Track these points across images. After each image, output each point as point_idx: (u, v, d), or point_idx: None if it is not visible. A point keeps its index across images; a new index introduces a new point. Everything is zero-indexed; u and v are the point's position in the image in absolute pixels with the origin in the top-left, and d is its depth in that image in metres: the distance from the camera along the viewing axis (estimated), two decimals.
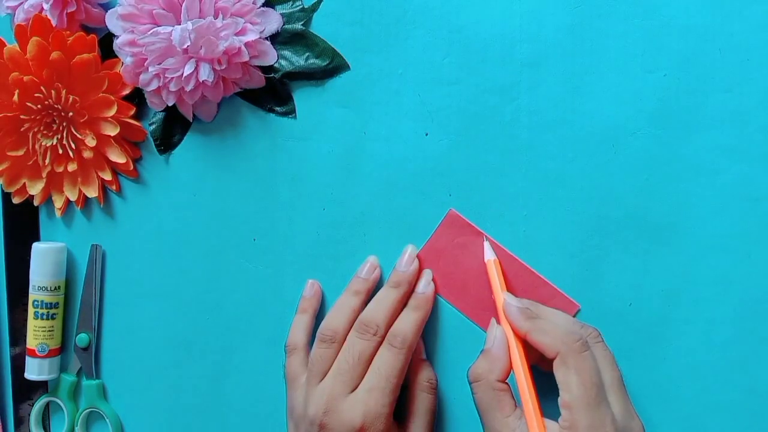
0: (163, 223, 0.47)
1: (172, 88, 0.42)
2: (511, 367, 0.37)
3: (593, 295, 0.40)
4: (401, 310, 0.41)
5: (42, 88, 0.45)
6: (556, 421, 0.34)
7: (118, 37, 0.43)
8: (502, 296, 0.39)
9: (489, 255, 0.41)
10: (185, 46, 0.41)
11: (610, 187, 0.40)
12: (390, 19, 0.42)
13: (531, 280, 0.41)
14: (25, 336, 0.49)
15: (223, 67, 0.42)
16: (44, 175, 0.47)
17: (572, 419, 0.33)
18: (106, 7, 0.45)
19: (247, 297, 0.46)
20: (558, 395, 0.35)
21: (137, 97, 0.46)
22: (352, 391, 0.39)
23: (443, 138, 0.42)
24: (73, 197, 0.48)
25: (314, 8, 0.43)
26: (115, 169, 0.47)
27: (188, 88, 0.42)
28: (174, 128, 0.46)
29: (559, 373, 0.35)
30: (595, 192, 0.40)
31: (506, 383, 0.37)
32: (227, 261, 0.46)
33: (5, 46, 0.45)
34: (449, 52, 0.42)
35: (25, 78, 0.44)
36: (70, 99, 0.45)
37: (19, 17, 0.45)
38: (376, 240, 0.44)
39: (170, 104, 0.44)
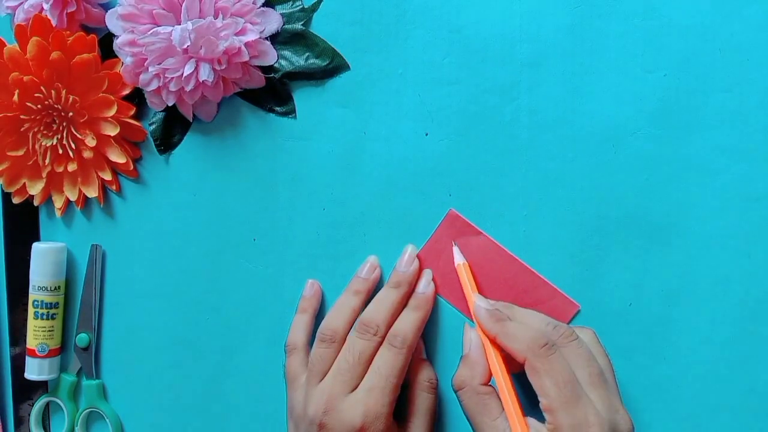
0: (163, 223, 0.47)
1: (172, 88, 0.42)
2: (491, 370, 0.37)
3: (593, 295, 0.40)
4: (401, 310, 0.41)
5: (42, 88, 0.45)
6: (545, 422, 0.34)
7: (118, 37, 0.43)
8: (472, 299, 0.39)
9: (458, 259, 0.42)
10: (185, 46, 0.41)
11: (610, 187, 0.40)
12: (390, 19, 0.42)
13: (531, 280, 0.41)
14: (25, 336, 0.49)
15: (223, 67, 0.42)
16: (44, 175, 0.47)
17: (555, 421, 0.33)
18: (106, 7, 0.45)
19: (247, 297, 0.46)
20: None
21: (137, 97, 0.46)
22: (352, 390, 0.39)
23: (443, 138, 0.42)
24: (73, 197, 0.48)
25: (314, 8, 0.43)
26: (115, 169, 0.47)
27: (188, 88, 0.42)
28: (174, 128, 0.46)
29: (533, 379, 0.35)
30: (595, 192, 0.40)
31: (490, 386, 0.37)
32: (227, 261, 0.46)
33: (5, 46, 0.45)
34: (449, 52, 0.42)
35: (25, 78, 0.44)
36: (70, 99, 0.45)
37: (19, 17, 0.45)
38: (376, 240, 0.44)
39: (170, 104, 0.44)
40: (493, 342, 0.37)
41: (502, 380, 0.36)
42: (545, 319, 0.37)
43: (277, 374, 0.45)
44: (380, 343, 0.40)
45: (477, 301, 0.39)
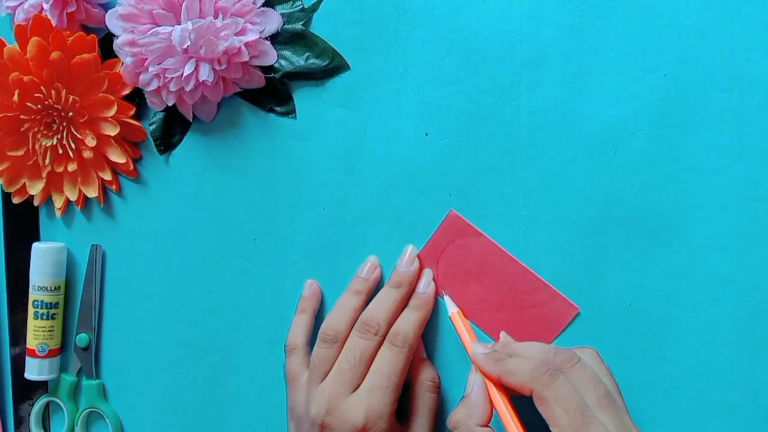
0: (163, 223, 0.47)
1: (172, 88, 0.42)
2: (491, 412, 0.37)
3: (593, 296, 0.40)
4: (402, 309, 0.41)
5: (42, 88, 0.45)
6: None
7: (118, 37, 0.43)
8: (470, 346, 0.39)
9: (451, 308, 0.42)
10: (185, 46, 0.41)
11: (610, 187, 0.40)
12: (390, 19, 0.42)
13: (531, 282, 0.41)
14: (25, 336, 0.49)
15: (223, 67, 0.42)
16: (44, 175, 0.47)
17: None
18: (106, 7, 0.45)
19: (247, 297, 0.46)
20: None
21: (137, 97, 0.46)
22: (354, 390, 0.39)
23: (443, 138, 0.42)
24: (73, 197, 0.48)
25: (314, 8, 0.43)
26: (115, 169, 0.47)
27: (188, 88, 0.42)
28: (174, 128, 0.46)
29: (542, 409, 0.34)
30: (595, 192, 0.40)
31: (489, 427, 0.36)
32: (227, 261, 0.46)
33: (5, 46, 0.45)
34: (449, 52, 0.42)
35: (25, 78, 0.44)
36: (70, 99, 0.45)
37: (19, 17, 0.45)
38: (376, 240, 0.44)
39: (170, 104, 0.44)
40: (498, 384, 0.37)
41: (510, 419, 0.36)
42: (544, 347, 0.37)
43: (277, 374, 0.45)
44: (381, 343, 0.40)
45: (474, 348, 0.39)
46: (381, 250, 0.43)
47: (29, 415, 0.50)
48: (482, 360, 0.38)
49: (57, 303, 0.48)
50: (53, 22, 0.44)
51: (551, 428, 0.34)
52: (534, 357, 0.36)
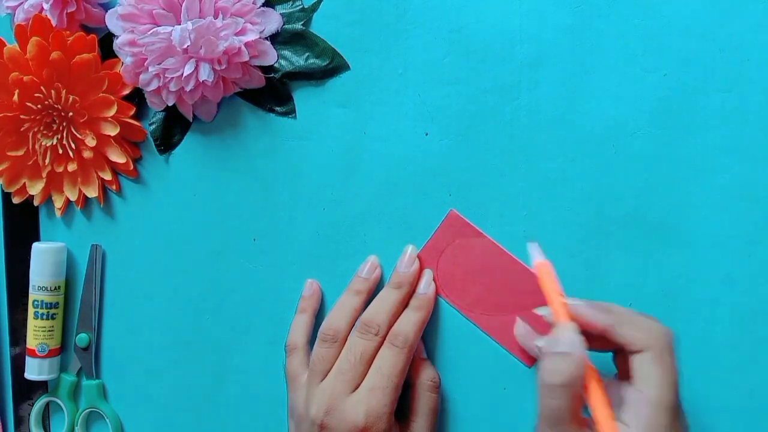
0: (163, 223, 0.47)
1: (172, 88, 0.42)
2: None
3: (593, 295, 0.40)
4: (402, 310, 0.41)
5: (42, 88, 0.45)
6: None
7: (118, 37, 0.43)
8: (561, 300, 0.35)
9: (537, 257, 0.37)
10: (185, 46, 0.41)
11: (610, 187, 0.40)
12: (390, 19, 0.42)
13: (531, 282, 0.41)
14: (25, 336, 0.49)
15: (223, 67, 0.42)
16: (44, 175, 0.47)
17: (656, 418, 0.31)
18: (106, 7, 0.45)
19: (247, 297, 0.46)
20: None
21: (137, 97, 0.46)
22: (354, 390, 0.39)
23: (443, 138, 0.42)
24: (73, 197, 0.48)
25: (314, 8, 0.43)
26: (115, 169, 0.47)
27: (188, 88, 0.42)
28: (174, 128, 0.46)
29: (651, 368, 0.32)
30: (595, 192, 0.40)
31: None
32: (227, 261, 0.46)
33: (5, 46, 0.45)
34: (449, 52, 0.42)
35: (25, 78, 0.44)
36: (70, 99, 0.45)
37: (19, 17, 0.45)
38: (376, 240, 0.44)
39: (170, 104, 0.44)
40: (599, 335, 0.34)
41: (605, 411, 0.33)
42: (648, 315, 0.35)
43: (277, 374, 0.45)
44: (381, 343, 0.40)
45: (571, 301, 0.35)
46: (381, 250, 0.43)
47: (29, 415, 0.50)
48: (587, 311, 0.34)
49: (57, 303, 0.48)
50: (53, 22, 0.44)
51: (647, 390, 0.32)
52: (655, 321, 0.34)
